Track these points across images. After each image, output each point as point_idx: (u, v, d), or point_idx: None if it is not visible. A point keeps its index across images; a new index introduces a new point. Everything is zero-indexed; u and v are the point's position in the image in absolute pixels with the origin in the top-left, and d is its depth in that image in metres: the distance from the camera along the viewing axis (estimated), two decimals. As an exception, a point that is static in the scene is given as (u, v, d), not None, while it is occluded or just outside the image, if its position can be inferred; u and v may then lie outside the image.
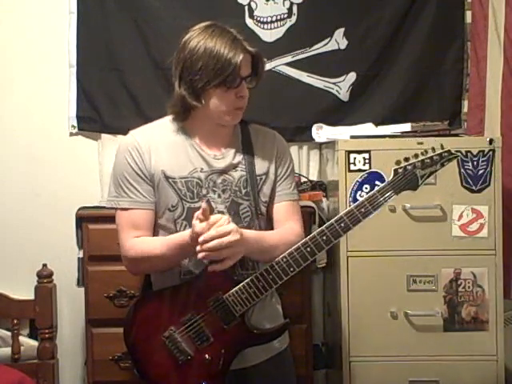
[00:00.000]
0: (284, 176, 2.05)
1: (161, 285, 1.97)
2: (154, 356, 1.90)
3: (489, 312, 2.36)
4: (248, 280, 1.87)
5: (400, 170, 1.86)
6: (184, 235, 1.84)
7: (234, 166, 1.96)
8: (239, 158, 1.97)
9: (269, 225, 2.05)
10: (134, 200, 1.92)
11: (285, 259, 1.86)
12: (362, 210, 1.86)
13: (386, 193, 1.86)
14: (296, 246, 1.87)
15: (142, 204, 1.92)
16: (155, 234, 1.98)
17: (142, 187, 1.92)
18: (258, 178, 1.98)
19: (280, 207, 2.04)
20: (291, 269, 1.86)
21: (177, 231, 1.92)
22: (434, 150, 1.86)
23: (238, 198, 1.95)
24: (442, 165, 1.87)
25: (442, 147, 1.87)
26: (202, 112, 1.92)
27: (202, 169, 1.93)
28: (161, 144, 1.93)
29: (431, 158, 1.86)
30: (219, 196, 1.93)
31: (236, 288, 1.87)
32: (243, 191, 1.95)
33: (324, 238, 1.85)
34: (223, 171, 1.94)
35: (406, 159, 1.85)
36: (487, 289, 2.36)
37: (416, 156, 1.86)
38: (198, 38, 1.87)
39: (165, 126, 1.98)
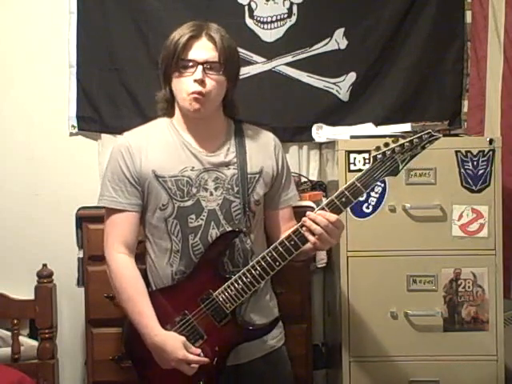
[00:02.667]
0: (286, 179, 2.07)
1: (156, 284, 2.00)
2: (151, 355, 1.91)
3: (489, 312, 2.36)
4: (236, 277, 1.89)
5: (379, 156, 1.82)
6: (152, 331, 1.88)
7: (227, 164, 1.96)
8: (232, 155, 1.97)
9: (258, 224, 2.05)
10: (116, 200, 1.95)
11: (270, 254, 1.88)
12: (343, 199, 1.84)
13: (366, 180, 1.83)
14: (280, 240, 1.88)
15: (123, 205, 1.95)
16: (148, 233, 2.00)
17: (128, 189, 1.95)
18: (251, 176, 1.98)
19: (285, 212, 2.08)
20: (277, 263, 1.87)
21: (167, 230, 1.94)
22: (415, 133, 1.83)
23: (230, 195, 1.95)
24: (423, 147, 1.83)
25: (423, 130, 1.83)
26: (178, 104, 1.96)
27: (192, 167, 1.94)
28: (153, 144, 1.96)
29: (411, 141, 1.82)
30: (211, 194, 1.94)
31: (224, 285, 1.89)
32: (235, 189, 1.95)
33: None
34: (215, 169, 1.95)
35: (386, 144, 1.82)
36: (487, 289, 2.36)
37: (395, 141, 1.82)
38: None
39: (157, 126, 2.01)
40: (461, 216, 2.35)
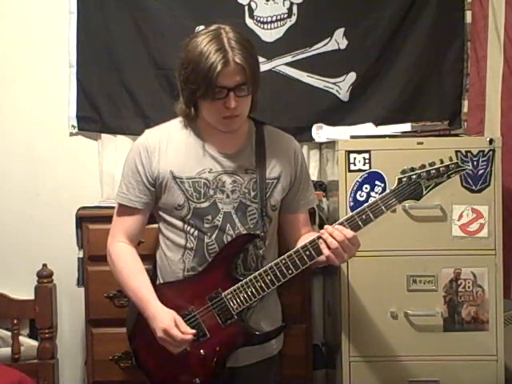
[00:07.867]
0: (304, 184, 2.09)
1: (165, 278, 2.02)
2: (153, 347, 1.92)
3: (489, 312, 2.36)
4: (247, 279, 1.89)
5: (404, 179, 1.86)
6: (152, 307, 1.89)
7: (245, 168, 1.97)
8: (251, 160, 1.97)
9: (273, 229, 2.06)
10: (127, 197, 1.98)
11: (284, 261, 1.88)
12: (363, 216, 1.87)
13: (389, 201, 1.86)
14: (295, 248, 1.89)
15: (133, 203, 1.97)
16: (163, 228, 2.02)
17: (140, 187, 1.97)
18: (269, 181, 1.98)
19: (302, 215, 2.10)
20: (289, 271, 1.88)
21: (184, 228, 1.95)
22: (442, 161, 1.87)
23: (247, 199, 1.96)
24: (449, 177, 1.88)
25: (451, 159, 1.88)
26: (203, 118, 1.94)
27: (210, 169, 1.94)
28: (172, 144, 1.96)
29: (437, 169, 1.86)
30: (228, 196, 1.94)
31: (234, 286, 1.89)
32: (252, 194, 1.96)
33: None
34: (234, 172, 1.95)
35: (412, 169, 1.86)
36: (487, 289, 2.36)
37: (422, 166, 1.86)
38: (189, 47, 1.85)
39: (178, 126, 2.00)
40: (461, 216, 2.35)
